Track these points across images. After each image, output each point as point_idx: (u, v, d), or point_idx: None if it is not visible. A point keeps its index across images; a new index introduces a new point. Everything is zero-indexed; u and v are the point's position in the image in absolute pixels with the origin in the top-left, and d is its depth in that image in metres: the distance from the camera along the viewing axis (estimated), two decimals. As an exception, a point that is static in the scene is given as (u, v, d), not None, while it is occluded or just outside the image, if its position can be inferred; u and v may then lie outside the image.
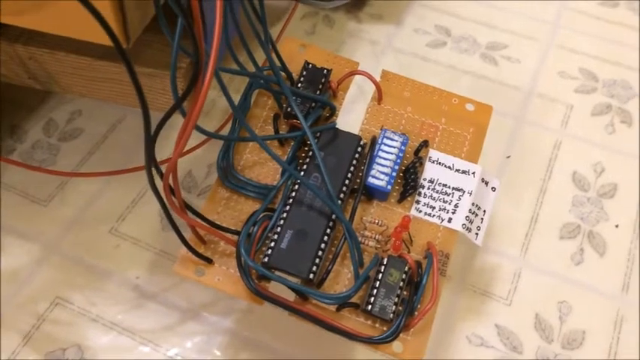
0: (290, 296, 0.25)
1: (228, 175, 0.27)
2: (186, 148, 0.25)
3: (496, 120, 0.34)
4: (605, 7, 0.46)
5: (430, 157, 0.28)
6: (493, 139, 0.34)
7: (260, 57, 0.27)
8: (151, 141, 0.20)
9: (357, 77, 0.30)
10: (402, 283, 0.25)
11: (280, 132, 0.28)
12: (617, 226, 0.35)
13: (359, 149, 0.27)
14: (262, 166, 0.28)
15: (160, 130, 0.22)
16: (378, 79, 0.30)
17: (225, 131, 0.32)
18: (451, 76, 0.41)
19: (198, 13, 0.20)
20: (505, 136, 0.38)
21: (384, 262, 0.25)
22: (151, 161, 0.21)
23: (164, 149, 0.31)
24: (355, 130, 0.29)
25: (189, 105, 0.22)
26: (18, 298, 0.30)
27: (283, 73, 0.29)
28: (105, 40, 0.21)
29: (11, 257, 0.31)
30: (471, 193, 0.27)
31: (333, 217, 0.25)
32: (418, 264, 0.25)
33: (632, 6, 0.46)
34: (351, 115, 0.30)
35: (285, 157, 0.27)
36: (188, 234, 0.25)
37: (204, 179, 0.35)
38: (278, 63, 0.28)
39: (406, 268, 0.25)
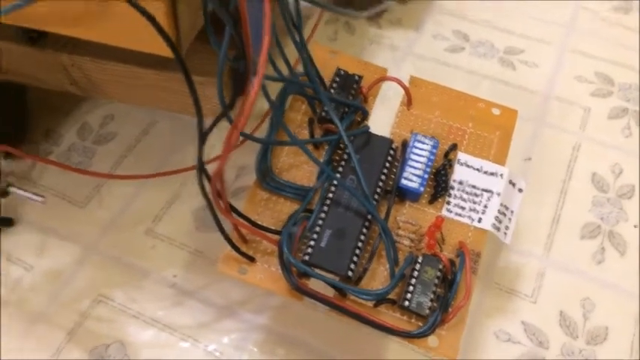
0: (329, 293, 0.26)
1: (267, 177, 0.28)
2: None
3: (516, 122, 0.36)
4: (619, 12, 0.47)
5: (459, 159, 0.29)
6: (513, 141, 0.35)
7: (290, 60, 0.28)
8: (202, 151, 0.21)
9: (382, 82, 0.31)
10: (437, 281, 0.26)
11: (315, 136, 0.29)
12: (635, 226, 0.36)
13: (391, 152, 0.28)
14: (298, 169, 0.29)
15: (207, 136, 0.23)
16: (408, 79, 0.31)
17: (259, 132, 0.33)
18: (471, 80, 0.42)
19: (247, 23, 0.21)
20: (525, 138, 0.39)
21: (420, 260, 0.26)
22: (202, 169, 0.22)
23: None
24: (386, 134, 0.30)
25: (235, 111, 0.23)
26: (61, 297, 0.31)
27: (317, 79, 0.30)
28: (156, 49, 0.23)
29: (53, 258, 0.33)
30: (499, 194, 0.29)
31: (369, 217, 0.27)
32: (451, 262, 0.26)
33: (647, 10, 0.47)
34: (381, 120, 0.31)
35: (321, 160, 0.28)
36: (231, 232, 0.26)
37: (234, 181, 0.36)
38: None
39: (440, 266, 0.26)
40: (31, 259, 0.33)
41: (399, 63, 0.43)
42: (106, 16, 0.22)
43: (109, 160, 0.37)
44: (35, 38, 0.29)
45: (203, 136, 0.22)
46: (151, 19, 0.19)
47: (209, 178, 0.24)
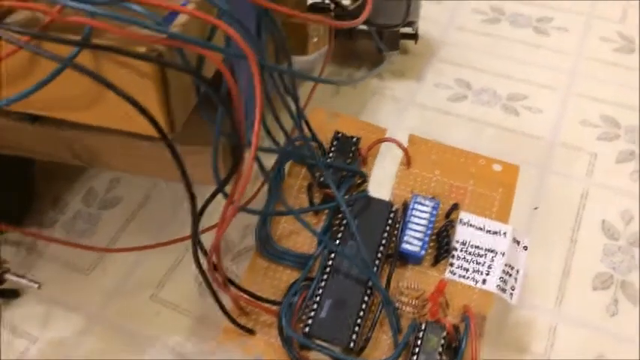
0: (332, 364, 0.25)
1: (267, 245, 0.28)
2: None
3: (522, 170, 0.35)
4: (621, 52, 0.47)
5: (461, 219, 0.29)
6: (520, 190, 0.35)
7: (288, 123, 0.28)
8: (196, 233, 0.21)
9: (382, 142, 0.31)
10: (440, 349, 0.25)
11: (314, 200, 0.29)
12: (649, 274, 0.35)
13: (391, 215, 0.28)
14: (299, 235, 0.29)
15: (203, 213, 0.23)
16: (404, 139, 0.31)
17: (259, 198, 0.33)
18: (474, 129, 0.42)
19: (239, 106, 0.22)
20: (531, 186, 0.39)
21: (423, 328, 0.25)
22: (197, 249, 0.22)
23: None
24: (387, 195, 0.29)
25: (232, 184, 0.23)
26: (65, 370, 0.31)
27: (314, 143, 0.30)
28: (150, 131, 0.23)
29: (57, 329, 0.32)
30: (503, 254, 0.28)
31: (370, 283, 0.26)
32: (456, 328, 0.26)
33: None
34: (382, 180, 0.31)
35: (322, 224, 0.28)
36: (230, 304, 0.26)
37: (240, 242, 0.36)
38: (309, 134, 0.29)
39: (444, 334, 0.25)
40: (35, 330, 0.33)
41: (402, 113, 0.43)
42: (102, 102, 0.23)
43: (114, 225, 0.37)
44: (36, 116, 0.29)
45: (196, 219, 0.22)
46: (142, 109, 0.19)
47: (205, 253, 0.24)
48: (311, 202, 0.29)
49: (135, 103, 0.19)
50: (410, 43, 0.46)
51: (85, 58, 0.21)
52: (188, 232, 0.28)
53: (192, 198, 0.21)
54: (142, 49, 0.20)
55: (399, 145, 0.30)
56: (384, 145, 0.32)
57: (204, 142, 0.29)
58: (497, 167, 0.31)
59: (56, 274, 0.35)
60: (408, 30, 0.44)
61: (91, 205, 0.38)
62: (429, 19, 0.49)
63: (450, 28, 0.49)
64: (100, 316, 0.33)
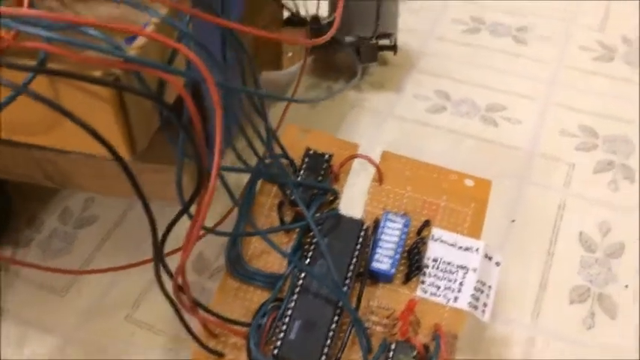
0: (302, 386, 0.25)
1: (237, 265, 0.28)
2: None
3: (500, 182, 0.35)
4: (601, 61, 0.47)
5: (433, 235, 0.29)
6: (498, 201, 0.35)
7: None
8: (159, 256, 0.21)
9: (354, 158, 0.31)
10: (410, 369, 0.25)
11: (286, 218, 0.29)
12: (626, 286, 0.35)
13: (362, 233, 0.28)
14: (270, 254, 0.28)
15: (167, 236, 0.23)
16: (379, 155, 0.31)
17: (233, 216, 0.33)
18: (453, 140, 0.42)
19: (200, 129, 0.21)
20: (510, 198, 0.39)
21: (392, 348, 0.25)
22: (160, 273, 0.22)
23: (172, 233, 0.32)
24: (359, 212, 0.29)
25: (196, 206, 0.23)
26: (38, 393, 0.31)
27: (286, 160, 0.30)
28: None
29: (31, 351, 0.32)
30: (475, 271, 0.28)
31: (340, 303, 0.26)
32: (426, 347, 0.26)
33: (627, 59, 0.47)
34: (354, 197, 0.30)
35: (293, 243, 0.28)
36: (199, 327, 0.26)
37: (216, 260, 0.36)
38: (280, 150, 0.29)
39: (414, 353, 0.25)
40: (10, 351, 0.32)
41: (381, 125, 0.43)
42: (61, 125, 0.23)
43: (90, 244, 0.37)
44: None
45: (157, 243, 0.22)
46: (94, 133, 0.19)
47: (171, 275, 0.24)
48: (282, 221, 0.29)
49: (86, 127, 0.19)
50: (389, 54, 0.46)
51: (42, 83, 0.20)
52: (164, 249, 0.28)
53: (152, 221, 0.21)
54: (98, 74, 0.20)
55: (371, 161, 0.30)
56: (357, 162, 0.32)
57: (171, 162, 0.29)
58: (469, 182, 0.30)
59: (32, 295, 0.34)
60: (385, 42, 0.44)
61: (67, 223, 0.38)
62: (409, 29, 0.49)
63: (430, 39, 0.49)
64: (75, 337, 0.33)
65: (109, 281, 0.35)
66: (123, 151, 0.23)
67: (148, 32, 0.21)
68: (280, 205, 0.29)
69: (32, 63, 0.20)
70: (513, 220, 0.37)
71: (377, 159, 0.31)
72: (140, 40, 0.21)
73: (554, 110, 0.44)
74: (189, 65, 0.21)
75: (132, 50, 0.21)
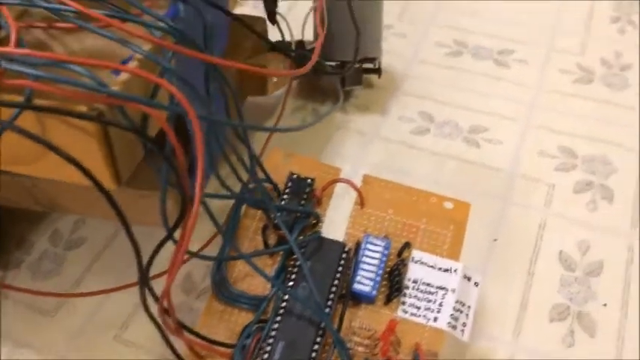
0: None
1: (222, 288, 0.29)
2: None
3: (482, 202, 0.36)
4: (580, 83, 0.48)
5: (413, 257, 0.30)
6: (480, 222, 0.36)
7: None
8: (144, 280, 0.22)
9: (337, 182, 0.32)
10: (390, 388, 0.26)
11: (269, 241, 0.30)
12: (605, 305, 0.35)
13: (344, 255, 0.29)
14: (254, 277, 0.29)
15: (153, 260, 0.24)
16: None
17: (219, 239, 0.33)
18: (436, 162, 0.43)
19: (183, 160, 0.22)
20: (491, 218, 0.40)
21: (373, 368, 0.26)
22: (145, 297, 0.22)
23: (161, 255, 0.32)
24: (341, 235, 0.30)
25: (180, 231, 0.24)
26: (27, 414, 0.31)
27: (269, 185, 0.31)
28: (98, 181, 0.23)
29: (21, 372, 0.33)
30: (454, 291, 0.29)
31: (323, 324, 0.27)
32: (406, 367, 0.26)
33: (606, 81, 0.48)
34: (336, 220, 0.31)
35: (277, 266, 0.29)
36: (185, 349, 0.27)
37: (203, 280, 0.37)
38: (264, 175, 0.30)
39: (394, 373, 0.26)
40: (0, 374, 0.33)
41: (367, 147, 0.44)
42: (49, 157, 0.23)
43: (80, 265, 0.37)
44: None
45: (142, 266, 0.22)
46: (82, 169, 0.20)
47: (156, 298, 0.25)
48: (266, 244, 0.30)
49: (72, 160, 0.20)
50: (374, 77, 0.47)
51: (28, 117, 0.21)
52: (152, 272, 0.28)
53: (136, 248, 0.21)
54: (83, 109, 0.21)
55: (352, 186, 0.31)
56: (339, 185, 0.32)
57: (156, 187, 0.29)
58: (448, 205, 0.31)
59: (21, 316, 0.35)
60: (370, 65, 0.45)
61: (57, 245, 0.38)
62: (394, 52, 0.50)
63: (414, 62, 0.51)
64: (65, 357, 0.33)
65: (98, 302, 0.35)
66: (107, 181, 0.23)
67: (131, 68, 0.22)
68: (264, 229, 0.30)
69: (19, 98, 0.20)
70: (495, 240, 0.38)
71: (361, 181, 0.32)
72: (124, 75, 0.22)
73: (535, 132, 0.45)
74: (171, 99, 0.22)
75: (116, 85, 0.22)
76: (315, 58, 0.31)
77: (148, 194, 0.30)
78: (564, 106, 0.46)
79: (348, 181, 0.31)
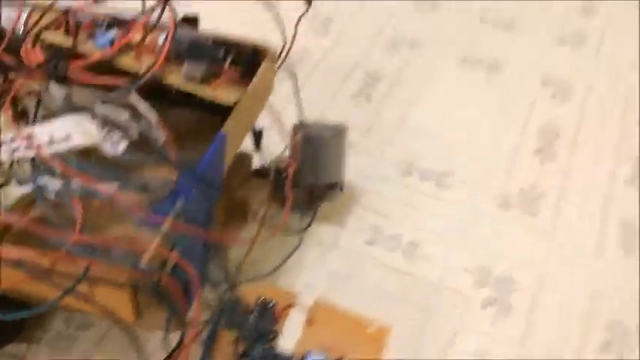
0: None
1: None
2: None
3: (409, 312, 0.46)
4: (501, 209, 0.59)
5: (344, 371, 0.40)
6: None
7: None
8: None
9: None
10: None
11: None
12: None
13: (292, 368, 0.39)
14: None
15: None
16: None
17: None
18: (382, 273, 0.53)
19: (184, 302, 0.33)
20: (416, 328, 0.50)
21: None
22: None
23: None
24: (291, 349, 0.41)
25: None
26: None
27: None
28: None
29: None
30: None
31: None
32: None
33: (527, 210, 0.59)
34: (290, 337, 0.41)
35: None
36: None
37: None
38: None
39: None
40: None
41: (326, 255, 0.54)
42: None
43: (88, 344, 0.47)
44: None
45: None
46: (113, 317, 0.31)
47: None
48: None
49: (106, 312, 0.30)
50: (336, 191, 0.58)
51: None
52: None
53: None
54: (122, 279, 0.32)
55: (303, 309, 0.41)
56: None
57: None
58: (371, 329, 0.42)
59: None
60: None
61: (70, 326, 0.48)
62: (356, 170, 0.60)
63: (373, 179, 0.61)
64: None
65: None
66: (130, 318, 0.34)
67: (155, 246, 0.32)
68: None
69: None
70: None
71: (317, 293, 0.43)
72: (149, 253, 0.33)
73: (459, 250, 0.55)
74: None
75: (144, 262, 0.33)
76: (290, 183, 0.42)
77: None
78: (490, 225, 0.57)
79: (300, 307, 0.41)
